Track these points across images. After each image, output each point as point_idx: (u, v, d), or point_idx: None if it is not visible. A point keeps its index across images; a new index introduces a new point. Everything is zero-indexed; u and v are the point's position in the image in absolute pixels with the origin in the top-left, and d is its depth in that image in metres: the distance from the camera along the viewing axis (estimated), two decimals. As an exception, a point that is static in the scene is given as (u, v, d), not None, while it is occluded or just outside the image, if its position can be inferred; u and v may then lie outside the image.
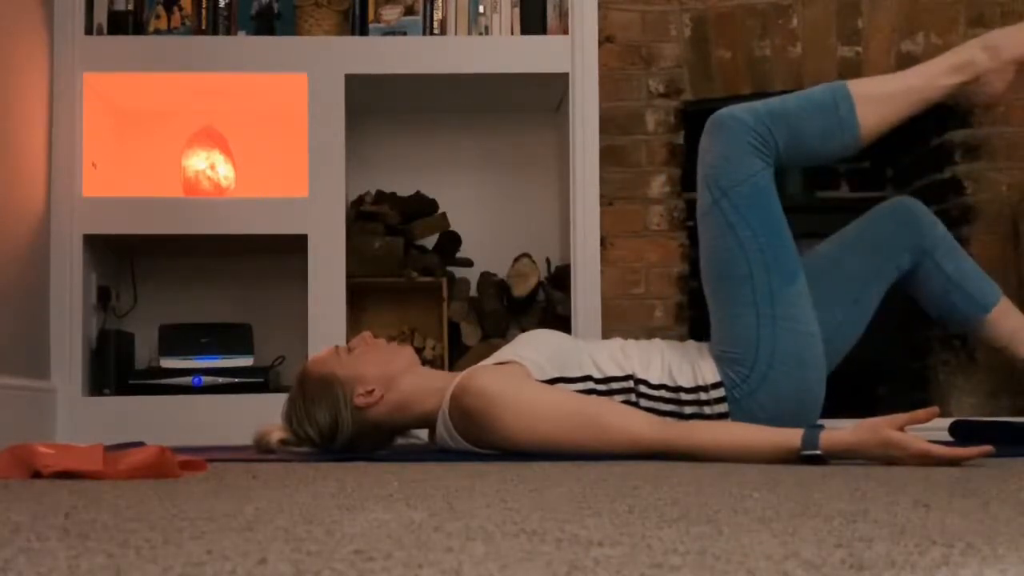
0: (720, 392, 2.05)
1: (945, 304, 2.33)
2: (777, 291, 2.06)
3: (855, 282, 2.26)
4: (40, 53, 3.02)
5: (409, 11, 3.22)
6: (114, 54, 3.15)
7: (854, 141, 2.15)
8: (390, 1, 3.23)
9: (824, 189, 3.50)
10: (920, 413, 1.73)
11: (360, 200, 3.31)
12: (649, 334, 2.29)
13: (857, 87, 2.16)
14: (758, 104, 2.14)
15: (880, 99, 2.15)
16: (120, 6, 3.20)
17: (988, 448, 1.70)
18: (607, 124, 3.17)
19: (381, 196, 3.32)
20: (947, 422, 2.34)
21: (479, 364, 2.12)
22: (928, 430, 1.81)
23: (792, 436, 1.77)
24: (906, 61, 3.08)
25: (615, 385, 2.06)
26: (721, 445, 1.84)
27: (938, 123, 3.14)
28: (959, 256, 2.33)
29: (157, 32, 3.22)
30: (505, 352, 2.12)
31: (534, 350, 2.09)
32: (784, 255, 2.09)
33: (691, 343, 2.19)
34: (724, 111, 2.14)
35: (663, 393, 2.05)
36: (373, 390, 2.04)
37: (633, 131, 3.19)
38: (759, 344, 2.05)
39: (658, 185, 3.17)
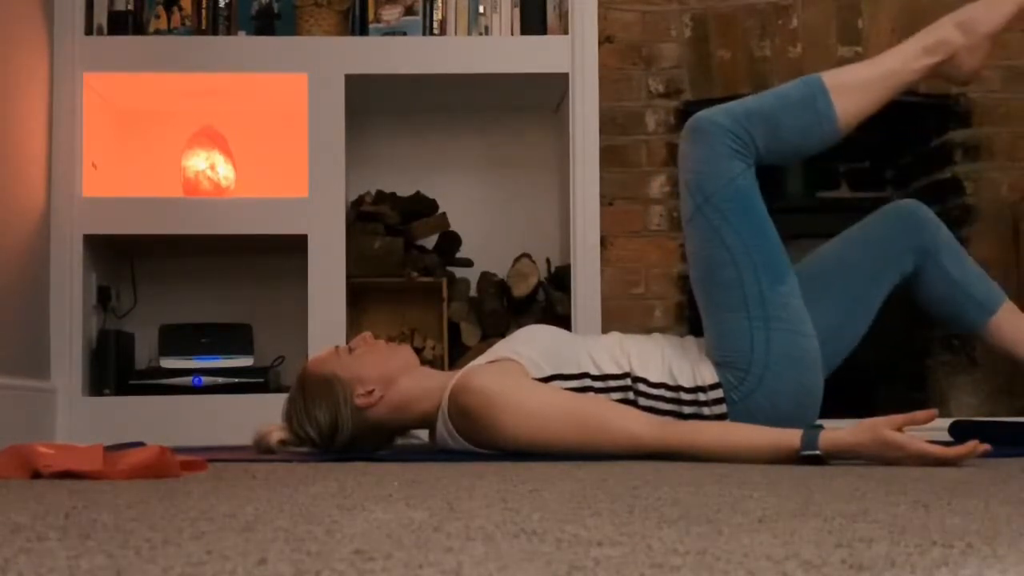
0: (718, 393, 2.05)
1: (948, 307, 2.29)
2: (767, 293, 2.06)
3: (857, 283, 2.24)
4: (40, 53, 3.02)
5: (409, 11, 3.22)
6: (114, 54, 3.15)
7: (833, 133, 2.14)
8: (390, 1, 3.23)
9: (824, 189, 3.50)
10: (919, 414, 1.73)
11: (360, 200, 3.31)
12: (649, 334, 2.28)
13: (832, 78, 2.15)
14: (734, 105, 2.13)
15: (856, 88, 2.14)
16: (120, 6, 3.20)
17: (985, 446, 1.70)
18: (607, 124, 3.17)
19: (381, 196, 3.32)
20: (947, 422, 2.34)
21: (474, 362, 2.11)
22: (928, 430, 1.81)
23: (791, 436, 1.77)
24: (906, 61, 3.07)
25: (612, 383, 2.05)
26: (721, 445, 1.84)
27: (938, 123, 3.14)
28: (962, 259, 2.29)
29: (157, 32, 3.22)
30: (501, 349, 2.12)
31: (530, 347, 2.08)
32: (772, 256, 2.08)
33: (691, 339, 2.19)
34: (700, 115, 2.12)
35: (662, 392, 2.05)
36: (373, 390, 2.04)
37: (633, 131, 3.18)
38: (753, 347, 2.05)
39: (658, 185, 3.17)
